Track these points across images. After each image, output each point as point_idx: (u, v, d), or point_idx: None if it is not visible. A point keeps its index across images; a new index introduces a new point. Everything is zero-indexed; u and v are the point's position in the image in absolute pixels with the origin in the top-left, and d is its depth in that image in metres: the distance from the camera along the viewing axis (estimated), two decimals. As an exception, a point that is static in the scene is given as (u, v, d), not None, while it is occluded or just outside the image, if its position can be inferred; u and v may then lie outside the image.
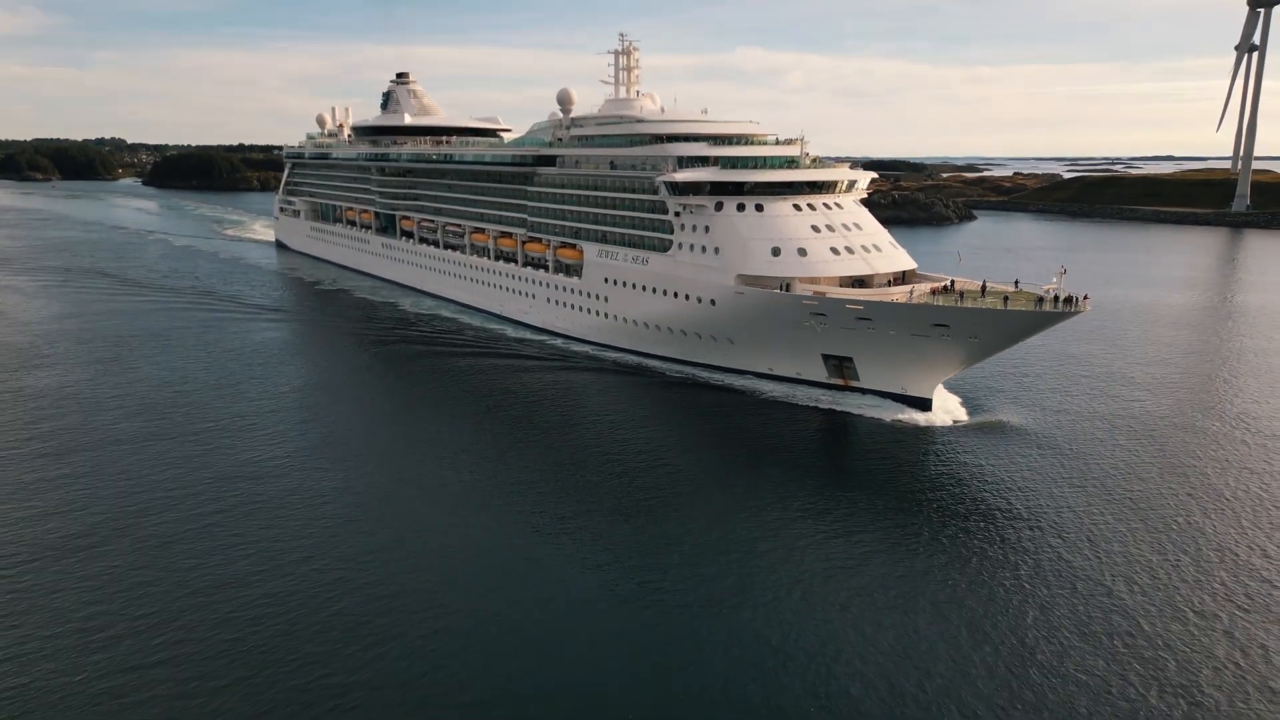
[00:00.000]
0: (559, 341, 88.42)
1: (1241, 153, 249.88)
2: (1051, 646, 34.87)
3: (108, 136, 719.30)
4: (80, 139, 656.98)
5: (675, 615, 37.29)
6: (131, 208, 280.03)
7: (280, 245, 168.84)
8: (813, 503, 48.73)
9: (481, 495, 50.22)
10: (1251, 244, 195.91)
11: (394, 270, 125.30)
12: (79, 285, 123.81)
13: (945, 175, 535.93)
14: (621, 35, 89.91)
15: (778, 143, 79.63)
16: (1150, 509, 47.74)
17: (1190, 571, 40.97)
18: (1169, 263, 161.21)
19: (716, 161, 74.55)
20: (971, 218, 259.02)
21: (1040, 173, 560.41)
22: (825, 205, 72.65)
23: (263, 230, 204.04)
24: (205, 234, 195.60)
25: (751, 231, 70.17)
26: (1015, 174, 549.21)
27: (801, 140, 78.11)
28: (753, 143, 79.43)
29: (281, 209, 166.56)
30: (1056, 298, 58.40)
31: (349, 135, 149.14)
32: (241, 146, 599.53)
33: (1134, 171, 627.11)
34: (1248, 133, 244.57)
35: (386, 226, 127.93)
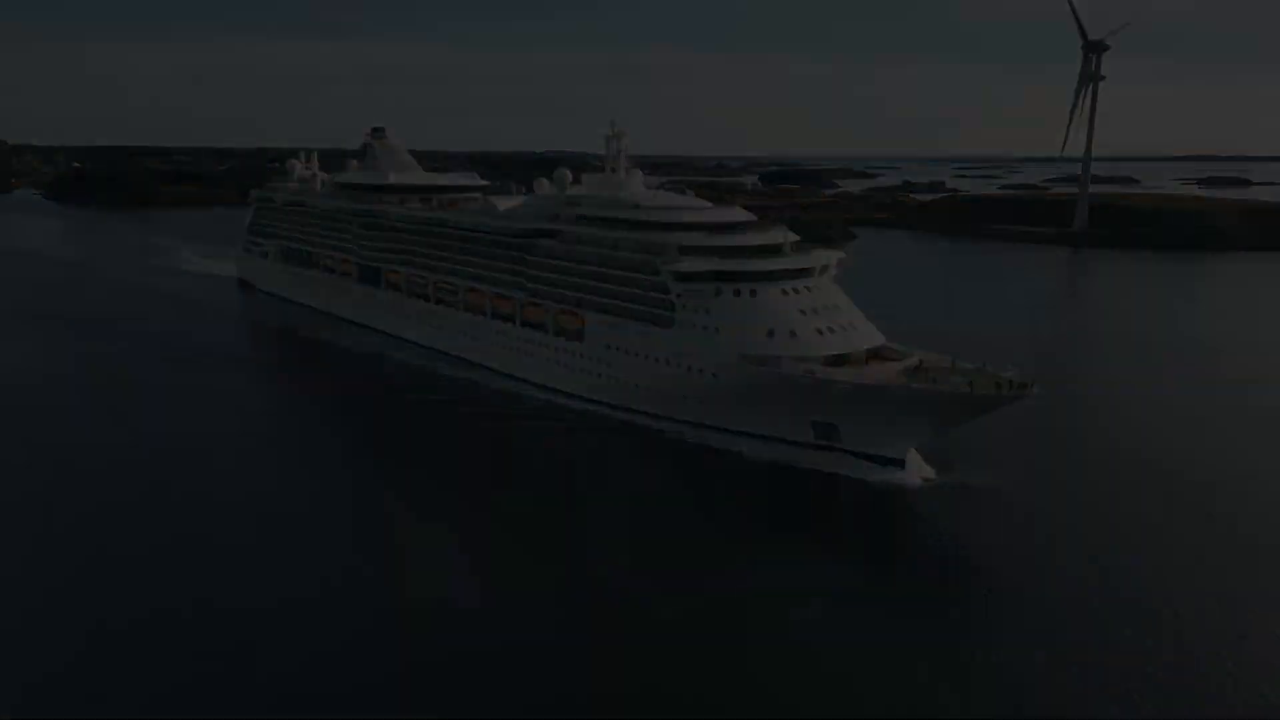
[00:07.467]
0: (552, 397, 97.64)
1: (1080, 177, 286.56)
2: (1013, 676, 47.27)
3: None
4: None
5: (669, 649, 49.21)
6: (53, 232, 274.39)
7: (244, 284, 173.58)
8: (798, 551, 62.16)
9: (479, 549, 62.36)
10: (1090, 264, 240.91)
11: (380, 319, 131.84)
12: (77, 336, 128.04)
13: (840, 183, 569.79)
14: (612, 122, 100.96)
15: (759, 230, 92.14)
16: (1087, 545, 61.58)
17: (1151, 608, 54.05)
18: (1030, 289, 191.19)
19: (714, 251, 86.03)
20: (852, 236, 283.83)
21: (927, 180, 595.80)
22: (806, 288, 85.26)
23: (202, 260, 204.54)
24: (150, 269, 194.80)
25: (749, 315, 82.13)
26: (905, 182, 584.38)
27: (785, 230, 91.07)
28: (740, 230, 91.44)
29: (247, 249, 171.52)
30: (1011, 382, 72.42)
31: (322, 183, 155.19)
32: (146, 149, 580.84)
33: (1014, 177, 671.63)
34: (1084, 160, 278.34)
35: (370, 277, 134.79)
